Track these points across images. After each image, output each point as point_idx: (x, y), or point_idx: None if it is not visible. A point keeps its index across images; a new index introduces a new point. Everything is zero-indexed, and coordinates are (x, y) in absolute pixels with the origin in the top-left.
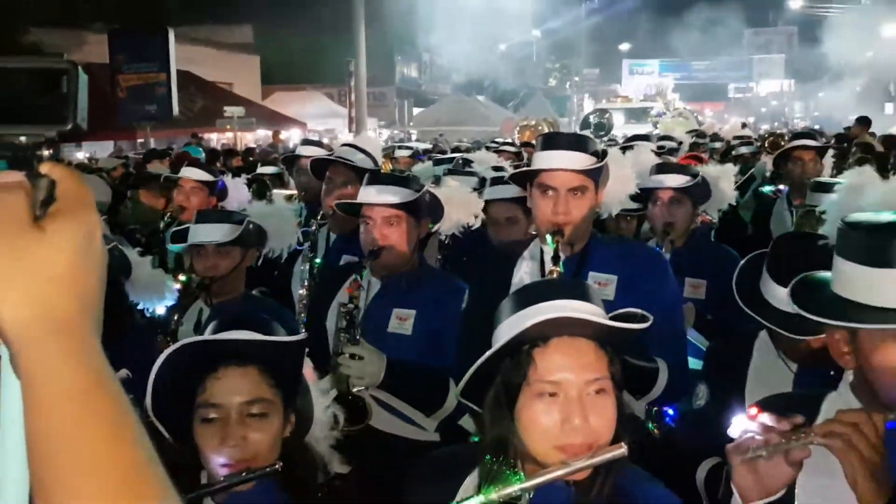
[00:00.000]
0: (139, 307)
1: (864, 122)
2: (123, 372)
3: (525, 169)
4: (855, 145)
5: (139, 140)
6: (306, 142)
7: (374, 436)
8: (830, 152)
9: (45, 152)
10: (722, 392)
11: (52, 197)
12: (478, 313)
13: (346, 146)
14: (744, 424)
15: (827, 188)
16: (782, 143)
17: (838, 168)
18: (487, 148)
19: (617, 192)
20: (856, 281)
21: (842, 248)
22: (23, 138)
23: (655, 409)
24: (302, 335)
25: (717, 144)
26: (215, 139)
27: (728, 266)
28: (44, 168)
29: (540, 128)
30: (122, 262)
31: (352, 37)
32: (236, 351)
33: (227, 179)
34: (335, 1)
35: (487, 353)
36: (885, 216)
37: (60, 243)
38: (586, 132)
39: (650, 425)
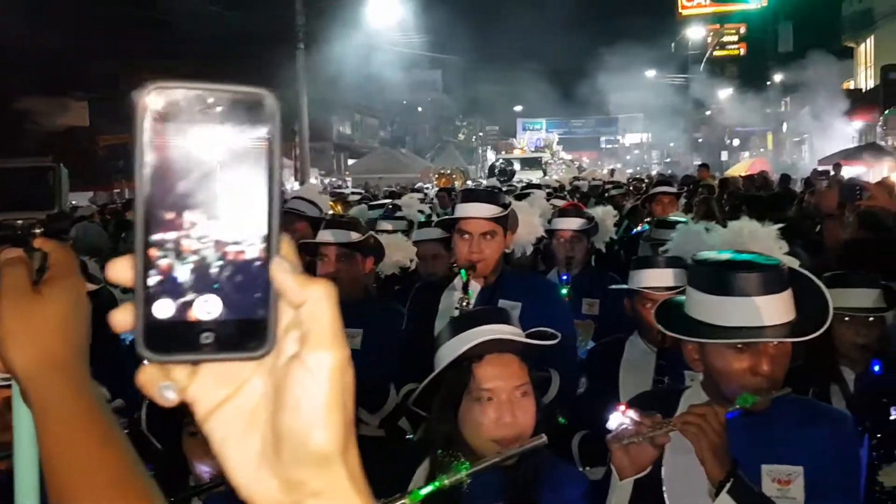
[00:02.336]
0: (122, 336)
1: (705, 167)
2: (119, 401)
3: (448, 217)
4: (701, 186)
5: (115, 190)
6: None
7: None
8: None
9: (38, 230)
10: (599, 381)
11: (45, 266)
12: (413, 333)
13: (295, 198)
14: (619, 419)
15: (668, 224)
16: (642, 187)
17: (688, 205)
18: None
19: (526, 235)
20: (703, 305)
21: (692, 279)
22: (20, 221)
23: None
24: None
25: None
26: None
27: (614, 289)
28: (37, 243)
29: (453, 175)
30: (110, 300)
31: (296, 102)
32: None
33: None
34: (282, 73)
35: (437, 370)
36: (725, 255)
37: (55, 303)
38: (492, 179)
39: (560, 419)
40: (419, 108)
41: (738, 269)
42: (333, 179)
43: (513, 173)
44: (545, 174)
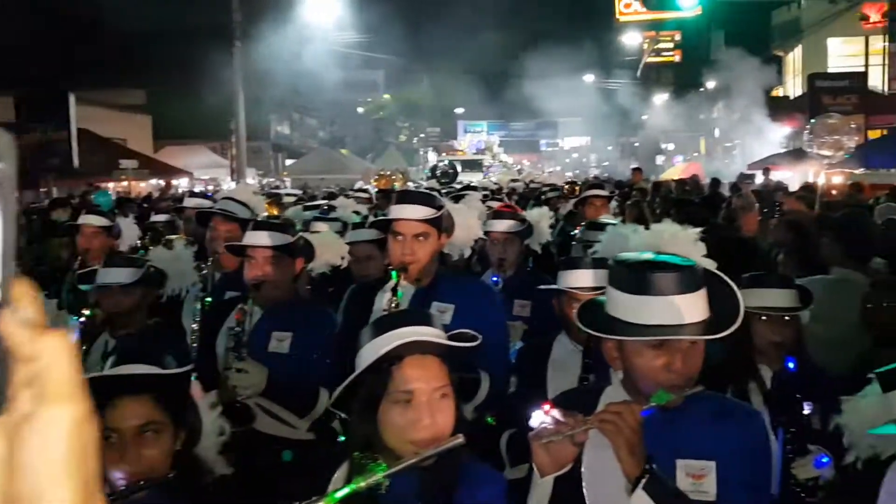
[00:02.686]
0: None
1: (638, 170)
2: None
3: (383, 218)
4: (634, 190)
5: (42, 189)
6: (192, 194)
7: (257, 437)
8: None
9: None
10: (527, 380)
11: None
12: (347, 334)
13: (226, 199)
14: (540, 417)
15: (597, 226)
16: (576, 189)
17: (621, 207)
18: (347, 196)
19: (464, 237)
20: (622, 304)
21: (612, 279)
22: None
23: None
24: (187, 367)
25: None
26: (112, 188)
27: (545, 289)
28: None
29: (393, 177)
30: None
31: (233, 99)
32: (131, 383)
33: (121, 221)
34: (219, 70)
35: (356, 373)
36: (644, 256)
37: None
38: (433, 180)
39: (489, 419)
40: (359, 109)
41: (656, 269)
42: (271, 180)
43: (455, 175)
44: (485, 176)
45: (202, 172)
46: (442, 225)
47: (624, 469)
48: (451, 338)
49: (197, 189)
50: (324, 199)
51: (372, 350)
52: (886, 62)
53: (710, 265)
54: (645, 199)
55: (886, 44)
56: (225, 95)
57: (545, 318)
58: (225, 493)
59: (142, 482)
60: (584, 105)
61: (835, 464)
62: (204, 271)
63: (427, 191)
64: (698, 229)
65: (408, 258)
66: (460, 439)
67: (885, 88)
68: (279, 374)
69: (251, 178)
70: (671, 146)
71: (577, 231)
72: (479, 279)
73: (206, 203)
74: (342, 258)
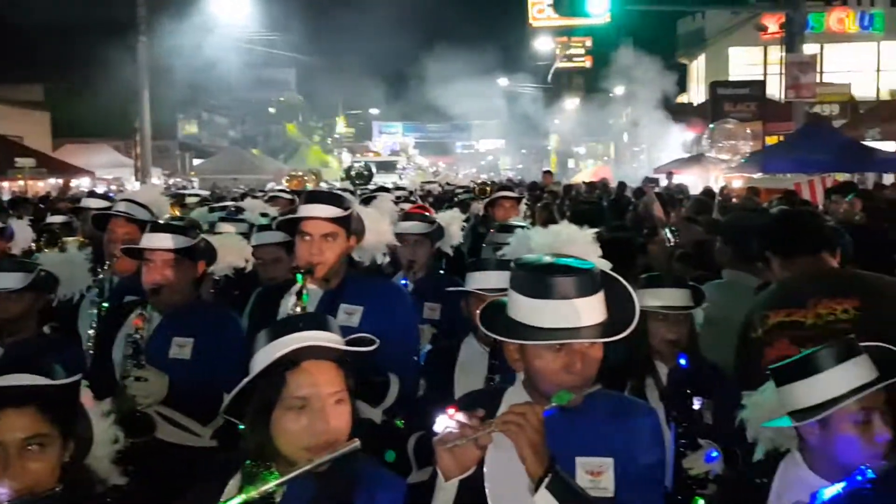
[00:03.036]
0: None
1: (549, 173)
2: None
3: (289, 217)
4: (546, 192)
5: None
6: (91, 194)
7: (158, 445)
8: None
9: None
10: (435, 383)
11: None
12: (252, 340)
13: (125, 201)
14: (445, 421)
15: (507, 229)
16: (488, 190)
17: (531, 209)
18: (254, 197)
19: (376, 242)
20: (522, 308)
21: (513, 283)
22: None
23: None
24: (76, 377)
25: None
26: (7, 187)
27: (454, 291)
28: None
29: (306, 177)
30: None
31: (137, 97)
32: (15, 395)
33: (14, 222)
34: (122, 64)
35: (247, 378)
36: (545, 259)
37: None
38: (346, 182)
39: (398, 422)
40: (271, 109)
41: (555, 273)
42: (178, 180)
43: (370, 176)
44: (400, 178)
45: (105, 172)
46: (350, 226)
47: (527, 469)
48: (351, 342)
49: (100, 189)
50: (233, 200)
51: (266, 355)
52: (783, 71)
53: (606, 266)
54: (555, 202)
55: (783, 54)
56: (129, 92)
57: (455, 321)
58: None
59: (26, 497)
60: (499, 108)
61: (744, 459)
62: (100, 275)
63: (336, 191)
64: (594, 230)
65: (315, 258)
66: (356, 444)
67: (782, 97)
68: (181, 381)
69: (157, 179)
70: (582, 150)
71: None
72: (390, 280)
73: (105, 203)
74: (246, 260)
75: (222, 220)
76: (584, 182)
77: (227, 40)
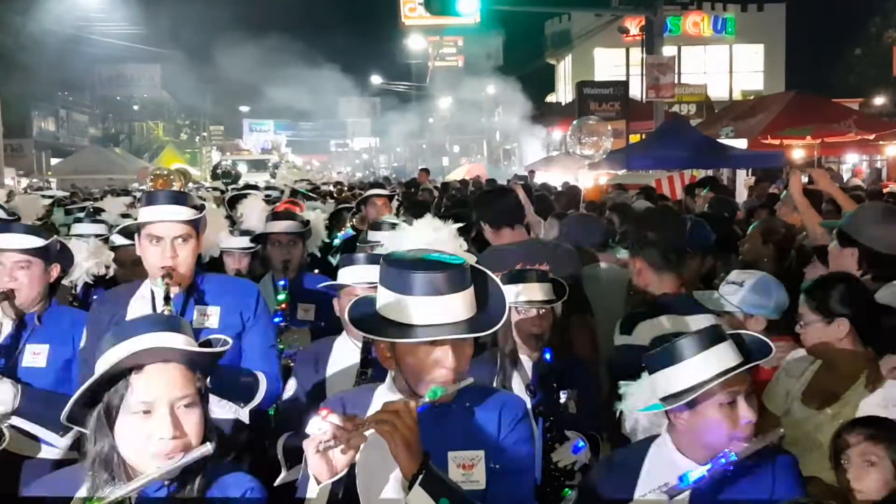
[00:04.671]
0: None
1: (425, 171)
2: None
3: (135, 222)
4: (421, 190)
5: None
6: None
7: (9, 458)
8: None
9: None
10: (307, 383)
11: None
12: (92, 349)
13: None
14: (318, 424)
15: (378, 227)
16: (343, 191)
17: (405, 207)
18: (117, 195)
19: (213, 237)
20: (392, 304)
21: (382, 278)
22: None
23: None
24: None
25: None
26: None
27: (329, 291)
28: None
29: (171, 177)
30: None
31: None
32: None
33: None
34: None
35: (87, 383)
36: (412, 255)
37: None
38: (217, 181)
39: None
40: (135, 106)
41: (425, 269)
42: (35, 180)
43: (238, 175)
44: (273, 177)
45: None
46: (201, 226)
47: (401, 467)
48: (203, 344)
49: None
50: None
51: (108, 358)
52: (643, 73)
53: (471, 259)
54: (433, 199)
55: (643, 56)
56: None
57: (330, 320)
58: None
59: None
60: (374, 106)
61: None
62: None
63: (180, 191)
64: (459, 225)
65: (170, 262)
66: (207, 449)
67: (644, 97)
68: (35, 390)
69: (9, 179)
70: (457, 148)
71: (340, 233)
72: (242, 279)
73: None
74: (107, 267)
75: (77, 220)
76: (458, 180)
77: (85, 32)
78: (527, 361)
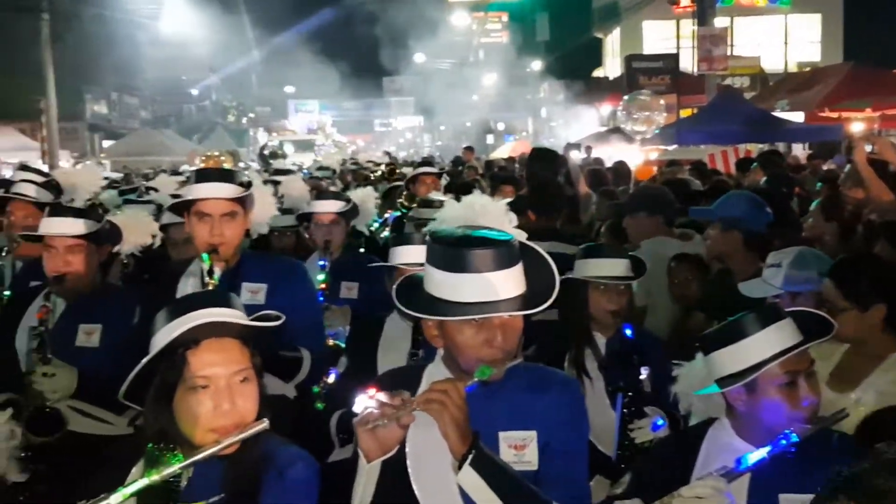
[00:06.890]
0: None
1: (470, 149)
2: None
3: (183, 199)
4: (467, 168)
5: None
6: None
7: (74, 438)
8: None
9: None
10: (358, 360)
11: None
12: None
13: (24, 181)
14: (365, 402)
15: (429, 204)
16: (397, 170)
17: (453, 185)
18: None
19: (261, 215)
20: (439, 282)
21: (429, 257)
22: None
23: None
24: None
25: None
26: None
27: (373, 270)
28: None
29: (222, 158)
30: None
31: (42, 76)
32: None
33: None
34: (24, 43)
35: (145, 359)
36: (459, 231)
37: None
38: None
39: (319, 404)
40: (185, 88)
41: (472, 246)
42: (88, 163)
43: (284, 156)
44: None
45: (9, 155)
46: (248, 204)
47: (451, 447)
48: (256, 319)
49: (6, 174)
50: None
51: (165, 334)
52: (695, 45)
53: (522, 236)
54: (478, 176)
55: (695, 27)
56: (33, 73)
57: (373, 300)
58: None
59: None
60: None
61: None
62: (1, 262)
63: (228, 168)
64: (507, 200)
65: (217, 239)
66: (264, 424)
67: (695, 70)
68: (90, 371)
69: (65, 162)
70: (501, 125)
71: (387, 214)
72: (287, 258)
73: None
74: (153, 237)
75: (127, 202)
76: (503, 158)
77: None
78: (599, 339)
